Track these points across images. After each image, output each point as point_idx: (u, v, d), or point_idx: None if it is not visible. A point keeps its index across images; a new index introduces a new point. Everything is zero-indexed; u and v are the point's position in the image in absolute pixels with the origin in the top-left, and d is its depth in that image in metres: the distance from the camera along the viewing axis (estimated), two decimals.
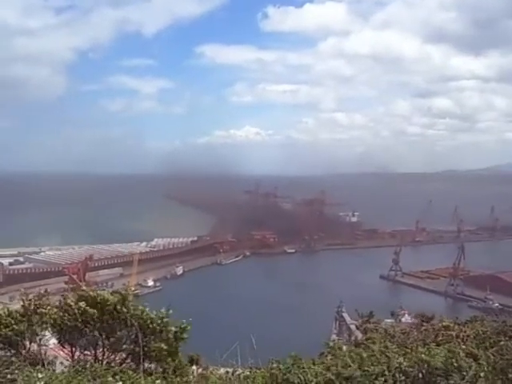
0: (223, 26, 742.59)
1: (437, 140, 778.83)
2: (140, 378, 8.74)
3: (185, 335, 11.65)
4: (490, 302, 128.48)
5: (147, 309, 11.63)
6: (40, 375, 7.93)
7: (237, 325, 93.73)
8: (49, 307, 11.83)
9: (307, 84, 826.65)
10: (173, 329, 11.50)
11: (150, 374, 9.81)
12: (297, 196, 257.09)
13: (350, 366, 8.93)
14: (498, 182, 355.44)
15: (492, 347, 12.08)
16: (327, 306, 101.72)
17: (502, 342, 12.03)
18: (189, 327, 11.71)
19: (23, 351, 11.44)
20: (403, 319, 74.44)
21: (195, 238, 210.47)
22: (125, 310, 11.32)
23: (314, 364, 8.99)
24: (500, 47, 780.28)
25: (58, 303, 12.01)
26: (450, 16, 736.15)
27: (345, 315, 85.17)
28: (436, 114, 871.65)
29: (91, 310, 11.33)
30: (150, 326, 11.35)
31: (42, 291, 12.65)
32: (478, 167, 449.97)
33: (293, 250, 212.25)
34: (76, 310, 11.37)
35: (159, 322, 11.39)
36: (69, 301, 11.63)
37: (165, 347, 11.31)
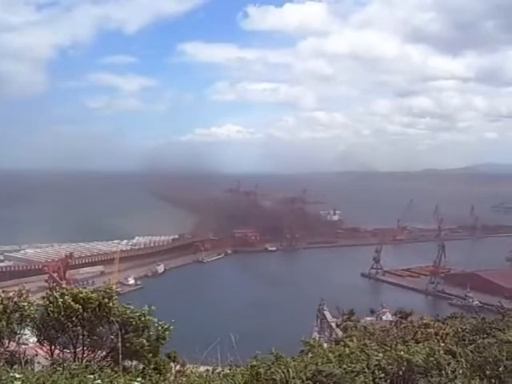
0: (204, 24, 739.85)
1: (417, 139, 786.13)
2: (119, 375, 8.66)
3: (166, 335, 11.66)
4: (470, 300, 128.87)
5: (131, 307, 11.61)
6: (17, 375, 7.82)
7: (217, 323, 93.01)
8: (29, 305, 11.77)
9: (287, 83, 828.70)
10: (155, 326, 11.51)
11: (130, 372, 9.78)
12: (278, 194, 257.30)
13: (329, 363, 8.95)
14: (478, 181, 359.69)
15: (471, 344, 12.26)
16: (309, 304, 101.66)
17: (479, 340, 12.22)
18: (171, 327, 11.72)
19: (1, 349, 11.35)
20: (384, 317, 74.83)
21: (177, 236, 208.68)
22: (110, 306, 11.30)
23: (294, 361, 9.00)
24: (477, 48, 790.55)
25: (42, 298, 11.97)
26: (428, 17, 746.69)
27: (326, 313, 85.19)
28: (416, 113, 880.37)
29: (75, 305, 11.31)
30: (133, 323, 11.33)
31: (22, 289, 12.43)
32: (458, 166, 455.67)
33: (274, 248, 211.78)
34: (61, 303, 11.33)
35: (141, 319, 11.38)
36: (55, 293, 11.58)
37: (146, 343, 11.31)
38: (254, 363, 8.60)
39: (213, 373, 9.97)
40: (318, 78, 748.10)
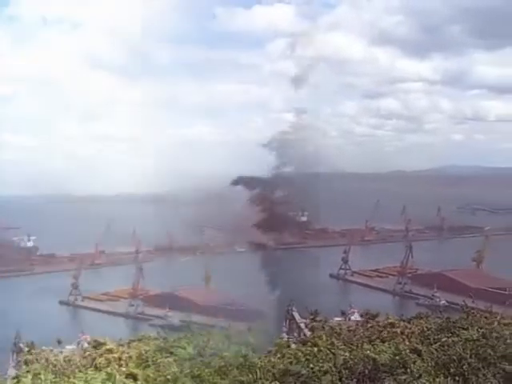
0: (172, 24, 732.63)
1: (384, 140, 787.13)
2: None
3: None
4: (437, 300, 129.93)
5: None
6: None
7: None
8: None
9: (256, 84, 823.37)
10: None
11: None
12: (245, 195, 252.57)
13: (297, 363, 9.07)
14: (445, 183, 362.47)
15: (435, 343, 12.41)
16: (279, 305, 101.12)
17: (444, 339, 12.39)
18: None
19: None
20: (353, 317, 75.20)
21: None
22: None
23: (261, 362, 9.09)
24: (444, 51, 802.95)
25: None
26: (396, 19, 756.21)
27: (295, 314, 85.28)
28: (384, 115, 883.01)
29: None
30: None
31: None
32: (425, 168, 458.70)
33: (243, 249, 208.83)
34: None
35: None
36: None
37: None
38: (223, 364, 8.67)
39: None
40: (286, 80, 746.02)
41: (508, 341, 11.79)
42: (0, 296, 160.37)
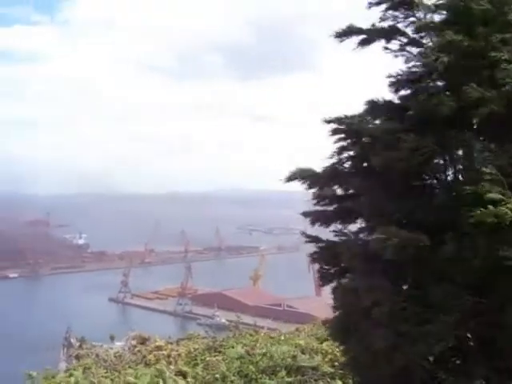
0: None
1: (155, 162, 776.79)
2: None
3: None
4: (218, 319, 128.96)
5: None
6: None
7: None
8: None
9: (23, 102, 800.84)
10: None
11: None
12: (19, 217, 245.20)
13: None
14: (224, 204, 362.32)
15: (201, 363, 12.66)
16: (56, 333, 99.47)
17: (208, 358, 12.66)
18: None
19: None
20: (131, 341, 73.87)
21: None
22: None
23: None
24: (200, 79, 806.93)
25: None
26: (152, 47, 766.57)
27: (73, 341, 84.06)
28: (152, 138, 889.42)
29: None
30: None
31: None
32: (201, 190, 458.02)
33: (15, 275, 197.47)
34: None
35: None
36: None
37: None
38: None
39: None
40: (50, 100, 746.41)
41: (268, 355, 12.37)
42: (52, 292, 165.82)
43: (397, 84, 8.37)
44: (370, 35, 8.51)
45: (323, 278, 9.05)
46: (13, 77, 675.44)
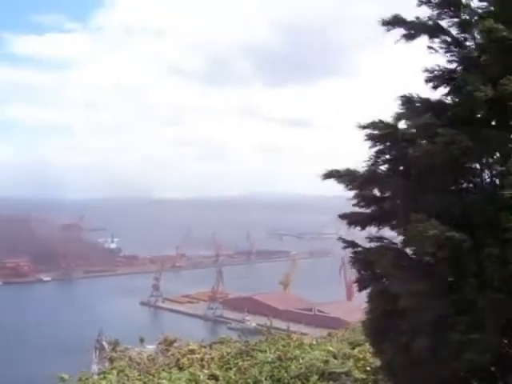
0: None
1: (187, 167, 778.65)
2: None
3: None
4: (248, 323, 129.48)
5: None
6: None
7: None
8: None
9: (57, 108, 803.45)
10: None
11: None
12: (54, 221, 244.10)
13: None
14: (254, 209, 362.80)
15: (234, 367, 12.45)
16: (89, 336, 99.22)
17: (240, 363, 12.45)
18: None
19: None
20: (163, 345, 73.18)
21: None
22: None
23: None
24: (232, 84, 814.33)
25: None
26: (186, 52, 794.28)
27: (105, 344, 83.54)
28: (187, 142, 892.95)
29: None
30: None
31: None
32: (232, 194, 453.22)
33: (49, 278, 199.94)
34: None
35: None
36: None
37: None
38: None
39: None
40: (86, 105, 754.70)
41: (300, 361, 12.17)
42: (85, 295, 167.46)
43: (434, 80, 8.24)
44: (415, 29, 8.40)
45: (360, 283, 8.87)
46: (47, 84, 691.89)
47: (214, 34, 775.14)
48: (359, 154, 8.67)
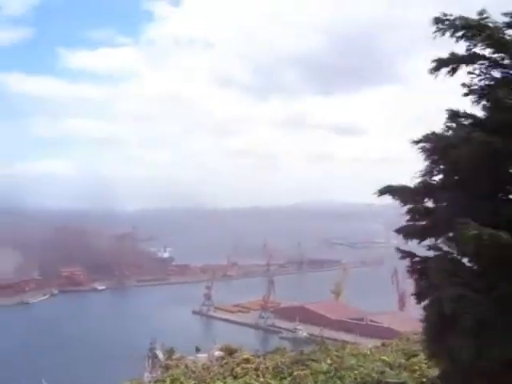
0: (25, 57, 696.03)
1: (240, 177, 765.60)
2: None
3: None
4: (300, 332, 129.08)
5: None
6: None
7: (43, 370, 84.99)
8: None
9: (110, 121, 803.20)
10: None
11: None
12: (108, 231, 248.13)
13: None
14: (304, 218, 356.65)
15: (289, 377, 12.28)
16: (141, 344, 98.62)
17: (295, 372, 12.26)
18: None
19: None
20: (217, 354, 71.51)
21: None
22: None
23: None
24: (281, 93, 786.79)
25: None
26: (234, 63, 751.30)
27: (158, 352, 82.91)
28: (237, 152, 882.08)
29: None
30: None
31: None
32: (283, 204, 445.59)
33: (103, 287, 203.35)
34: None
35: None
36: None
37: None
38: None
39: None
40: (138, 118, 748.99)
41: (355, 371, 11.93)
42: (137, 304, 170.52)
43: (472, 94, 8.49)
44: (454, 63, 8.57)
45: (418, 294, 8.93)
46: (101, 97, 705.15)
47: (263, 44, 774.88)
48: (410, 163, 8.88)
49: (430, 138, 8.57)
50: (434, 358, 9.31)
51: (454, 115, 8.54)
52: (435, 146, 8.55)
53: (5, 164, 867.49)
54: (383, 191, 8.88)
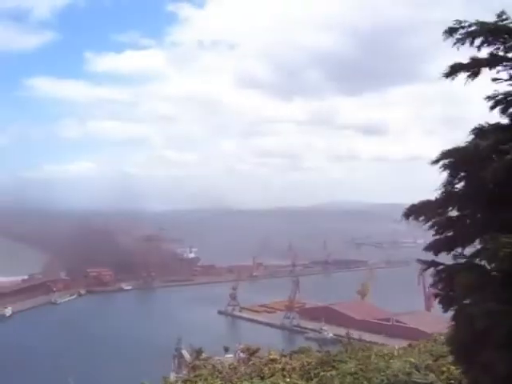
0: (53, 61, 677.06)
1: (265, 178, 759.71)
2: None
3: None
4: (325, 333, 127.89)
5: None
6: None
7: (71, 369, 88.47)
8: None
9: (136, 122, 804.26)
10: None
11: None
12: (134, 232, 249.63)
13: None
14: (328, 218, 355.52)
15: (316, 377, 12.10)
16: (167, 344, 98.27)
17: (323, 373, 12.08)
18: None
19: None
20: (242, 354, 70.46)
21: (26, 277, 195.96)
22: None
23: None
24: (305, 94, 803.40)
25: None
26: (259, 64, 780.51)
27: (184, 352, 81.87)
28: (262, 153, 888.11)
29: None
30: None
31: None
32: (308, 204, 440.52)
33: (129, 287, 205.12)
34: None
35: None
36: None
37: None
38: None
39: None
40: (163, 119, 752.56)
41: (382, 373, 11.63)
42: (163, 304, 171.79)
43: (499, 105, 8.32)
44: (474, 67, 8.47)
45: (444, 303, 8.81)
46: (126, 99, 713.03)
47: (287, 45, 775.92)
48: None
49: (451, 153, 8.40)
50: (464, 368, 9.23)
51: (479, 128, 8.40)
52: (458, 161, 8.39)
53: (34, 166, 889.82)
54: (408, 214, 8.77)
